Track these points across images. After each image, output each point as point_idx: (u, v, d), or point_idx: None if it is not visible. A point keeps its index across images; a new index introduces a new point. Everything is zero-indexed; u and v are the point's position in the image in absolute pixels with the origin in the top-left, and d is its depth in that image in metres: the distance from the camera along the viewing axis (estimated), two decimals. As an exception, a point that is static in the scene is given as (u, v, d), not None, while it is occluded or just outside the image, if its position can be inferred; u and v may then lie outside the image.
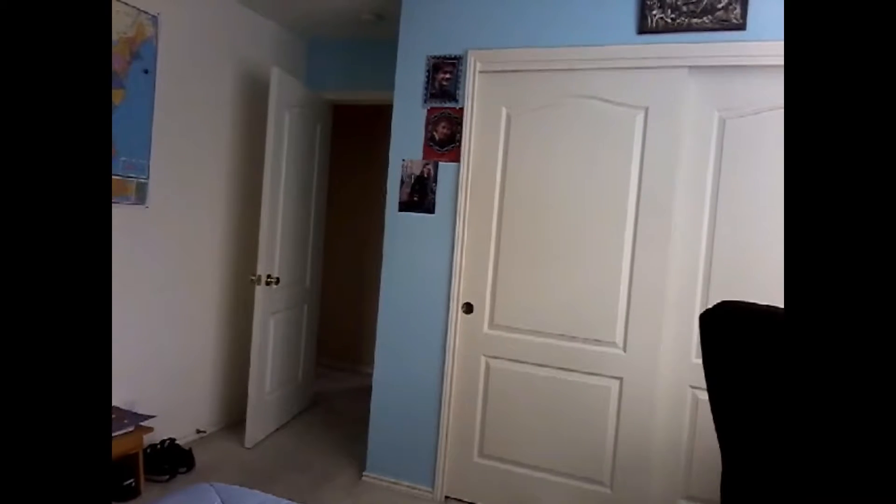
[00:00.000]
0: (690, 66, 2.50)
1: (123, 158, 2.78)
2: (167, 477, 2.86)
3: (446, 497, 2.91)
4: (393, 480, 2.99)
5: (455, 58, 2.86)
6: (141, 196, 2.90)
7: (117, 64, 2.72)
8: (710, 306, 1.40)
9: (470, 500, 2.87)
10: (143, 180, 2.90)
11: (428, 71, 2.91)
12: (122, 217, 2.82)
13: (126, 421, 2.67)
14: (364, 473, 3.06)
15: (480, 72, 2.82)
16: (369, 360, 3.85)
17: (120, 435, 2.58)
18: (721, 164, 2.50)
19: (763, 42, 2.35)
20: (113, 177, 2.74)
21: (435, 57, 2.90)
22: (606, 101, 2.63)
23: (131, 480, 2.64)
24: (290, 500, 1.74)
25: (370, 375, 3.21)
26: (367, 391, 3.28)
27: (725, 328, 1.38)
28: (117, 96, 2.73)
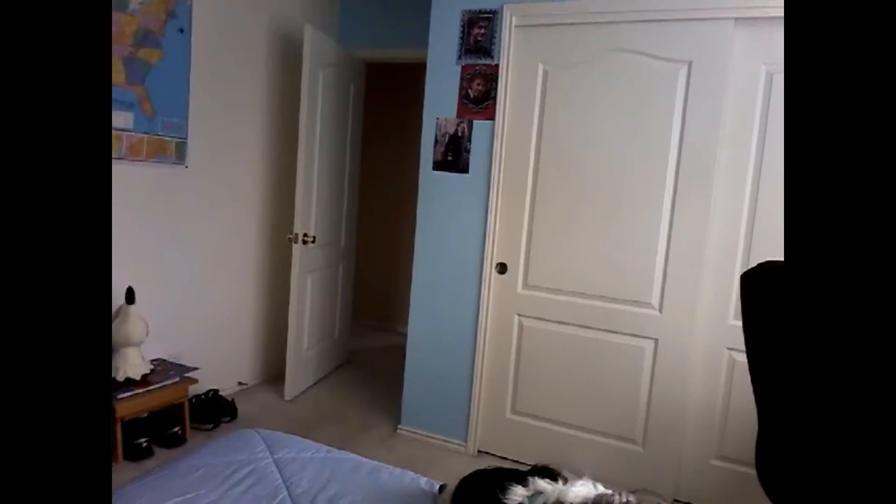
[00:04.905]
0: (737, 18, 2.38)
1: (162, 118, 2.82)
2: (211, 425, 3.00)
3: (479, 451, 2.98)
4: (427, 434, 3.07)
5: (490, 12, 2.79)
6: (181, 156, 2.96)
7: (153, 23, 2.73)
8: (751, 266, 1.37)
9: (503, 455, 2.93)
10: (181, 140, 2.95)
11: (463, 26, 2.85)
12: (163, 176, 2.88)
13: (172, 372, 2.79)
14: (399, 426, 3.15)
15: (517, 26, 2.75)
16: (403, 320, 3.91)
17: (167, 385, 2.70)
18: (767, 121, 2.40)
19: (817, -10, 2.23)
20: (153, 136, 2.79)
21: (470, 11, 2.83)
22: (647, 55, 2.54)
23: (178, 428, 2.78)
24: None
25: (404, 334, 3.27)
26: (400, 349, 3.34)
27: (767, 288, 1.35)
28: (154, 56, 2.76)
